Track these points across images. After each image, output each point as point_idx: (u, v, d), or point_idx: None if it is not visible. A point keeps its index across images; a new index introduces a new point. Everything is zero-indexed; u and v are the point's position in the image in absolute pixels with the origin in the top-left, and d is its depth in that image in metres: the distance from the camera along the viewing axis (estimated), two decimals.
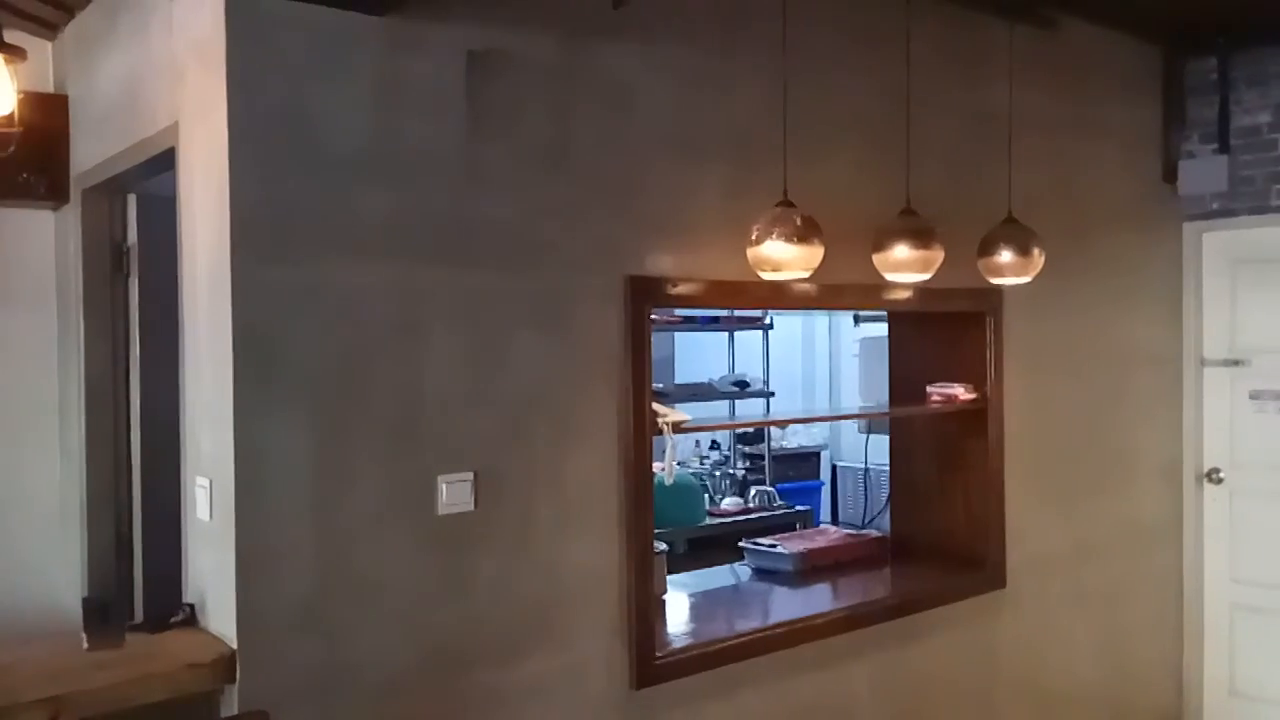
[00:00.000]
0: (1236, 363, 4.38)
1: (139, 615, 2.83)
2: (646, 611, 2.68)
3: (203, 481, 2.27)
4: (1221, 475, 4.42)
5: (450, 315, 2.37)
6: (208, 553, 2.28)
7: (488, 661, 2.41)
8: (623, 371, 2.67)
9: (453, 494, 2.34)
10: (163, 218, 2.63)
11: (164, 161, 2.52)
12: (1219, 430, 4.43)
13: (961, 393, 3.60)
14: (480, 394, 2.41)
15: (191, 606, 2.34)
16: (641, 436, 2.70)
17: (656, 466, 2.85)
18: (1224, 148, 4.32)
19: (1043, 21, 3.66)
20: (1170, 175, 4.40)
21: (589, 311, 2.62)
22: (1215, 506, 4.45)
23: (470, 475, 2.37)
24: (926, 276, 3.02)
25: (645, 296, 2.73)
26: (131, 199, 3.10)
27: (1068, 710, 3.93)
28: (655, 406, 2.81)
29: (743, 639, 2.90)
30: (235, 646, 2.13)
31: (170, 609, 2.36)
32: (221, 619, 2.20)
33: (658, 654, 2.70)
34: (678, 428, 2.88)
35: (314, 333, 2.20)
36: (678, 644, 2.82)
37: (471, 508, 2.37)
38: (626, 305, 2.68)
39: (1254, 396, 4.33)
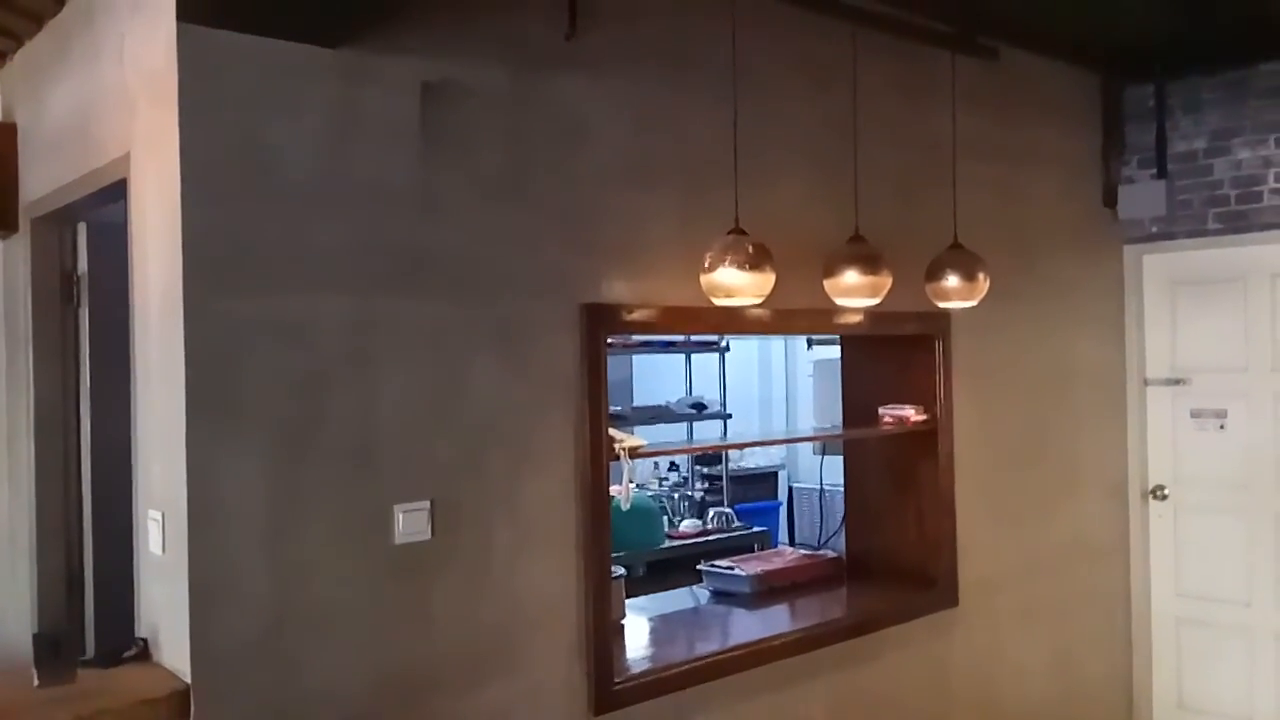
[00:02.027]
0: (1178, 382, 4.50)
1: (91, 650, 2.79)
2: (604, 637, 2.70)
3: (155, 514, 2.25)
4: (1166, 492, 4.54)
5: (406, 345, 2.38)
6: (161, 586, 2.26)
7: (446, 690, 2.41)
8: (579, 398, 2.70)
9: (409, 523, 2.34)
10: (114, 246, 2.62)
11: (115, 192, 2.51)
12: (1162, 448, 4.55)
13: (912, 414, 3.67)
14: (436, 423, 2.42)
15: (144, 641, 2.31)
16: (598, 462, 2.72)
17: (614, 491, 2.88)
18: (1162, 173, 4.46)
19: (984, 52, 3.77)
20: (1110, 200, 4.53)
21: (545, 339, 2.64)
22: (1160, 523, 4.56)
23: (427, 504, 2.38)
24: (876, 301, 3.08)
25: (601, 324, 2.76)
26: (82, 228, 3.08)
27: None
28: (612, 432, 2.84)
29: (700, 662, 2.92)
30: (189, 681, 2.11)
31: (123, 644, 2.34)
32: (175, 653, 2.18)
33: (616, 679, 2.71)
34: (634, 453, 2.91)
35: (268, 363, 2.19)
36: (636, 669, 2.84)
37: (428, 536, 2.38)
38: (582, 332, 2.71)
39: (1195, 415, 4.46)
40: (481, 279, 2.52)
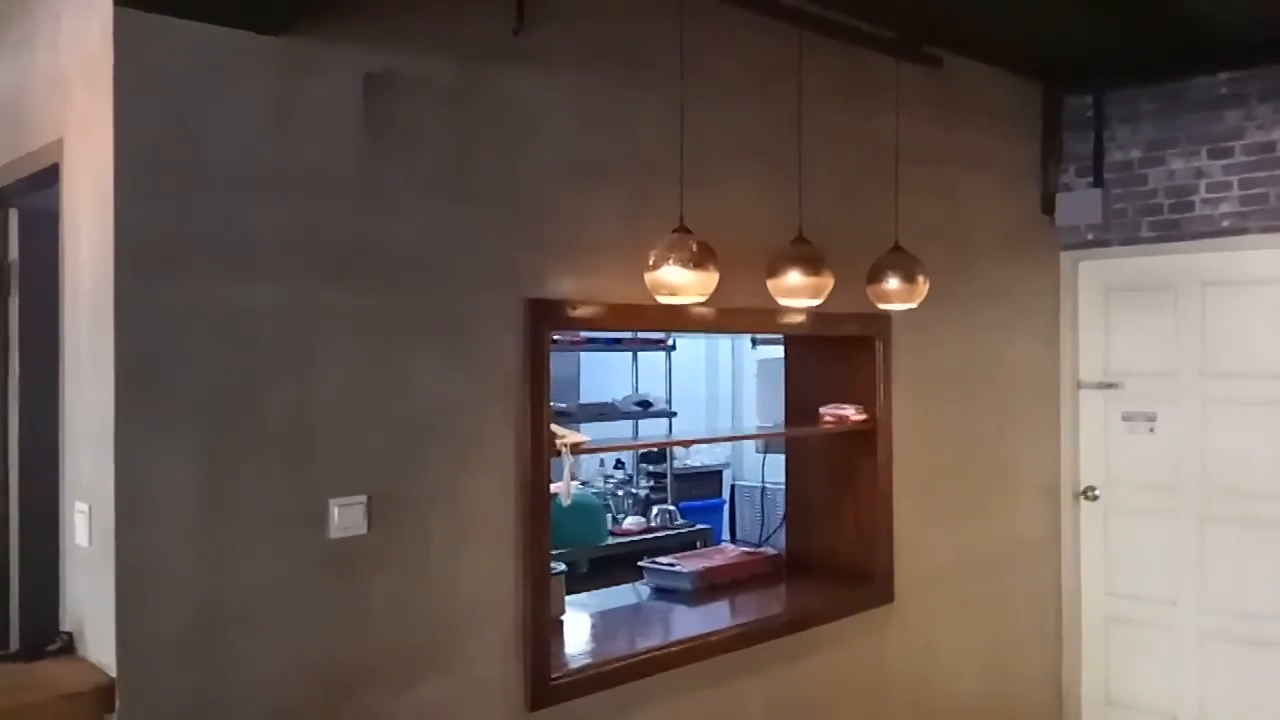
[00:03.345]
0: (1110, 385, 4.62)
1: (13, 644, 2.72)
2: (542, 632, 2.70)
3: (82, 506, 2.20)
4: (1097, 493, 4.66)
5: (344, 337, 2.36)
6: (86, 579, 2.21)
7: (380, 686, 2.39)
8: (521, 393, 2.70)
9: (345, 517, 2.32)
10: (46, 233, 2.55)
11: (47, 177, 2.44)
12: (1094, 450, 4.67)
13: (852, 414, 3.72)
14: (375, 417, 2.40)
15: (69, 635, 2.26)
16: (540, 458, 2.72)
17: (555, 488, 2.88)
18: (1098, 181, 4.57)
19: (928, 60, 3.83)
20: (1048, 207, 4.64)
21: (488, 334, 2.64)
22: (1091, 523, 4.68)
23: (364, 498, 2.36)
24: (818, 302, 3.12)
25: (545, 319, 2.76)
26: (13, 214, 3.00)
27: (954, 719, 4.07)
28: (554, 428, 2.84)
29: (638, 658, 2.93)
30: (115, 676, 2.07)
31: (47, 637, 2.28)
32: (100, 647, 2.14)
33: (553, 675, 2.71)
34: (576, 449, 2.91)
35: (201, 354, 2.16)
36: (574, 664, 2.84)
37: (364, 531, 2.36)
38: (526, 328, 2.71)
39: (1126, 418, 4.58)
40: (424, 273, 2.51)
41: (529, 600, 2.67)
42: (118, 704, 2.06)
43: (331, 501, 2.31)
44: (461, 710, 2.54)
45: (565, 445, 2.83)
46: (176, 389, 2.13)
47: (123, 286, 2.07)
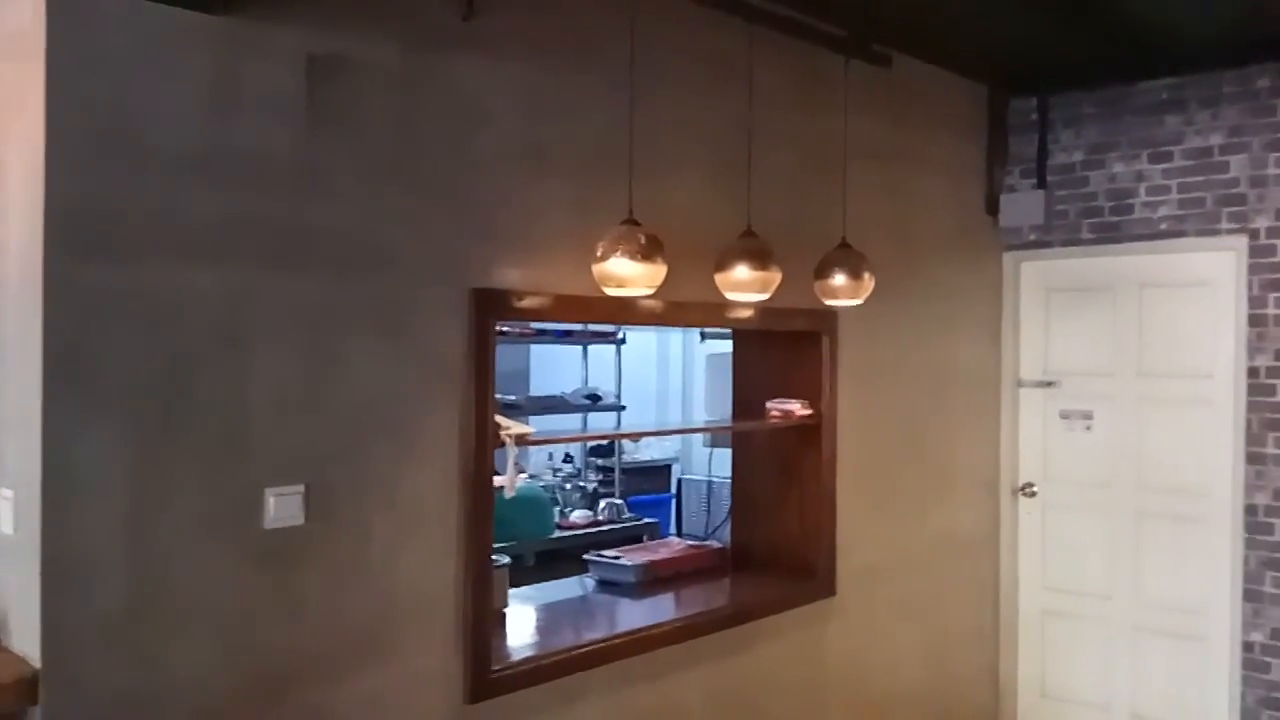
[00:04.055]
0: (1049, 384, 4.71)
1: None
2: (484, 625, 2.68)
3: (6, 492, 2.13)
4: (1035, 489, 4.75)
5: (283, 323, 2.32)
6: (10, 567, 2.14)
7: (315, 680, 2.35)
8: (466, 384, 2.67)
9: (281, 507, 2.28)
10: None
11: None
12: (1033, 447, 4.76)
13: (798, 409, 3.75)
14: (314, 405, 2.36)
15: None
16: (483, 449, 2.70)
17: (499, 480, 2.86)
18: (1041, 183, 4.65)
19: (878, 59, 3.86)
20: (993, 207, 4.71)
21: (432, 323, 2.61)
22: (1029, 519, 4.77)
23: (301, 488, 2.32)
24: (765, 296, 3.14)
25: (490, 309, 2.74)
26: None
27: (892, 713, 4.13)
28: (498, 419, 2.82)
29: (580, 650, 2.93)
30: (39, 666, 2.02)
31: None
32: (25, 637, 2.08)
33: (494, 667, 2.70)
34: (521, 441, 2.89)
35: (133, 337, 2.10)
36: (516, 657, 2.83)
37: (301, 521, 2.32)
38: (471, 317, 2.68)
39: (1064, 416, 4.67)
40: (366, 259, 2.47)
41: (470, 593, 2.65)
42: (42, 696, 2.01)
43: (267, 491, 2.26)
44: (400, 703, 2.51)
45: (510, 437, 2.81)
46: (107, 373, 2.07)
47: (52, 268, 2.01)
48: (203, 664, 2.19)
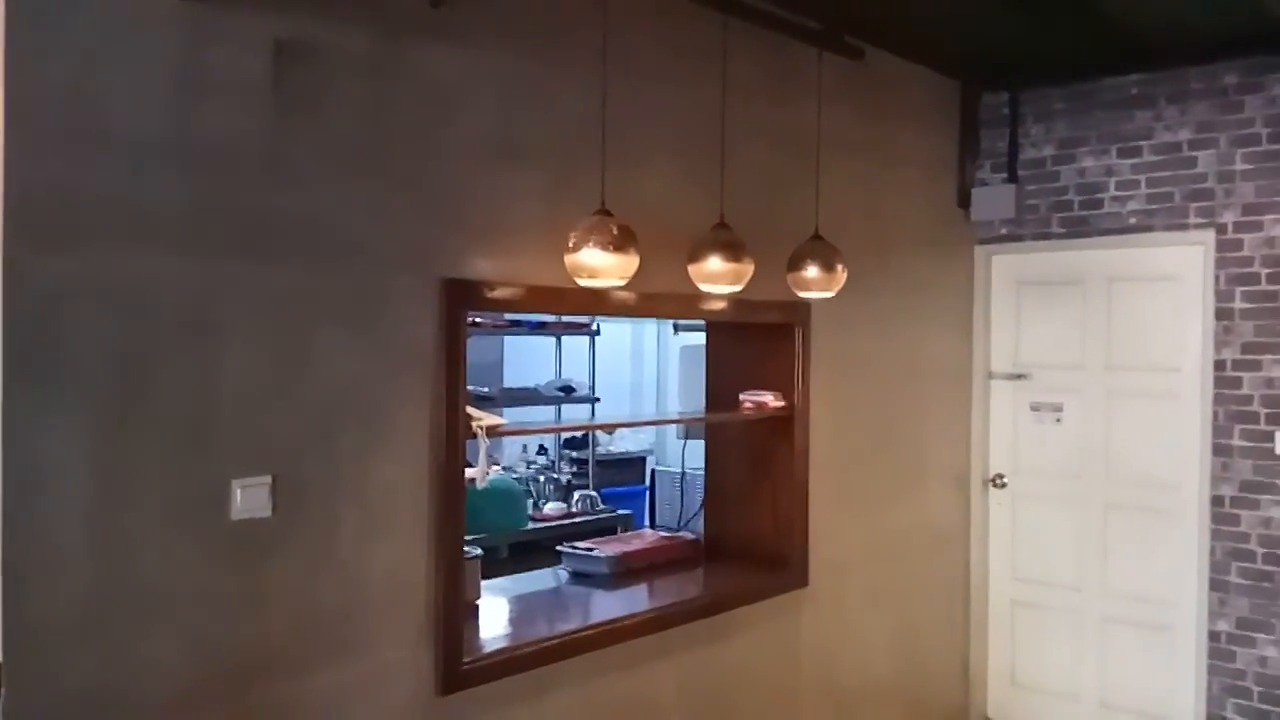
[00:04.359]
0: (1019, 376, 4.75)
1: None
2: (455, 616, 2.66)
3: None
4: (1005, 480, 4.79)
5: (250, 313, 2.29)
6: None
7: (283, 672, 2.33)
8: (437, 375, 2.65)
9: (248, 499, 2.25)
10: None
11: None
12: (1003, 439, 4.79)
13: (771, 400, 3.75)
14: (281, 396, 2.34)
15: None
16: (454, 441, 2.68)
17: (471, 472, 2.85)
18: (1012, 177, 4.68)
19: (851, 52, 3.87)
20: (965, 201, 4.74)
21: (402, 313, 2.59)
22: (999, 510, 4.81)
23: (268, 479, 2.29)
24: (738, 288, 3.13)
25: (461, 299, 2.72)
26: None
27: (863, 703, 4.16)
28: (470, 410, 2.80)
29: (552, 642, 2.92)
30: (0, 660, 1.98)
31: None
32: None
33: (465, 659, 2.69)
34: (493, 432, 2.88)
35: (96, 328, 2.07)
36: (488, 648, 2.82)
37: (269, 513, 2.29)
38: (442, 308, 2.66)
39: (1034, 408, 4.71)
40: (335, 249, 2.45)
41: (441, 584, 2.63)
42: (3, 690, 1.97)
43: (234, 482, 2.24)
44: (369, 696, 2.50)
45: (481, 428, 2.80)
46: (69, 365, 2.04)
47: (12, 255, 1.98)
48: (168, 657, 2.16)
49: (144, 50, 2.14)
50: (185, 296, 2.19)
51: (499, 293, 2.82)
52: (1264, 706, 4.07)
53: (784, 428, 3.80)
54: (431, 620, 2.62)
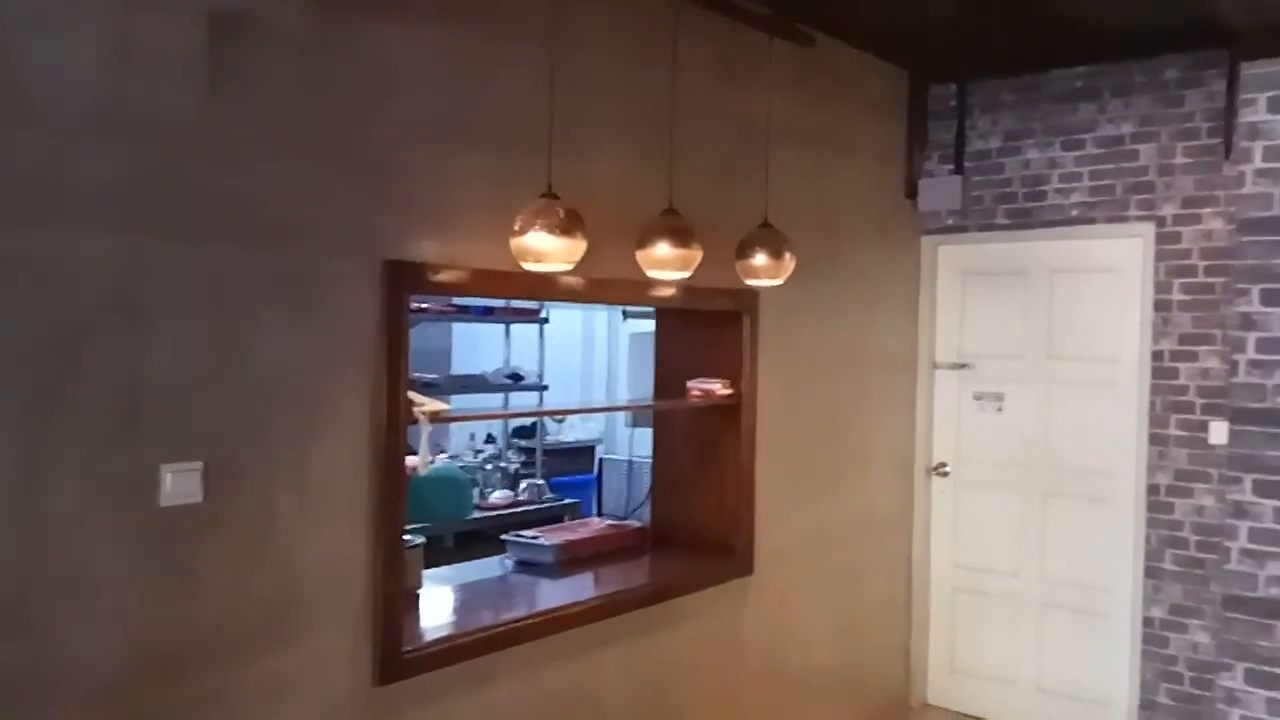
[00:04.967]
0: (963, 366, 4.80)
1: None
2: (394, 605, 2.62)
3: None
4: (947, 469, 4.84)
5: (182, 294, 2.21)
6: None
7: (215, 662, 2.27)
8: (378, 359, 2.60)
9: (178, 484, 2.18)
10: None
11: None
12: (947, 428, 4.85)
13: (719, 388, 3.75)
14: (214, 380, 2.27)
15: None
16: (395, 427, 2.63)
17: (411, 461, 2.80)
18: (959, 169, 4.72)
19: (801, 39, 3.87)
20: (912, 191, 4.77)
21: (342, 295, 2.53)
22: (942, 498, 4.87)
23: (199, 465, 2.22)
24: (686, 274, 3.12)
25: (404, 282, 2.67)
26: None
27: (806, 689, 4.18)
28: (412, 395, 2.75)
29: (494, 630, 2.89)
30: None
31: None
32: None
33: (405, 648, 2.64)
34: (435, 418, 2.84)
35: (20, 307, 1.99)
36: (428, 637, 2.78)
37: (200, 499, 2.22)
38: (383, 290, 2.61)
39: (977, 397, 4.77)
40: (272, 229, 2.38)
41: (380, 573, 2.58)
42: None
43: (163, 467, 2.17)
44: (305, 685, 2.44)
45: (423, 414, 2.75)
46: None
47: None
48: (95, 645, 2.09)
49: (73, 22, 2.05)
50: (113, 276, 2.11)
51: (443, 276, 2.77)
52: (1195, 690, 4.17)
53: (731, 416, 3.80)
54: (370, 609, 2.57)
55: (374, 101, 2.58)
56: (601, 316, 8.30)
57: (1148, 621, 4.30)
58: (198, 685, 2.25)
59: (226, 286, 2.29)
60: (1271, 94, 3.51)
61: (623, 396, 7.59)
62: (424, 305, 5.38)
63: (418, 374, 5.34)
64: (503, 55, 2.88)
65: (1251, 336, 3.56)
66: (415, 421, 2.73)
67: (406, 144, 2.66)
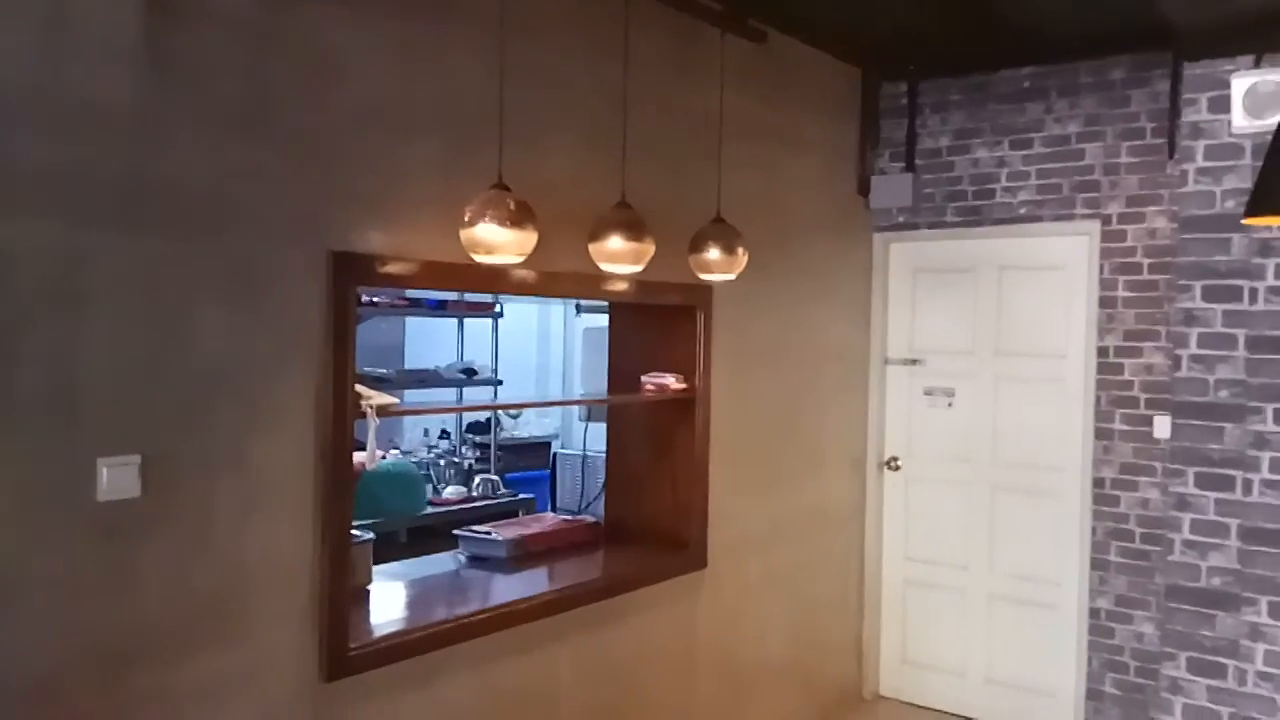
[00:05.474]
0: (914, 362, 4.85)
1: None
2: (341, 601, 2.58)
3: None
4: (899, 463, 4.89)
5: (119, 284, 2.16)
6: None
7: (155, 660, 2.22)
8: (324, 351, 2.55)
9: (115, 479, 2.13)
10: None
11: None
12: (898, 422, 4.89)
13: (673, 383, 3.75)
14: (153, 371, 2.21)
15: None
16: (342, 420, 2.59)
17: (359, 456, 2.76)
18: (910, 166, 4.77)
19: (753, 34, 3.87)
20: (864, 189, 4.81)
21: (287, 286, 2.48)
22: (893, 492, 4.91)
23: (137, 459, 2.17)
24: (639, 268, 3.11)
25: (351, 273, 2.62)
26: None
27: (759, 682, 4.20)
28: (359, 388, 2.71)
29: (444, 626, 2.86)
30: None
31: None
32: None
33: (352, 645, 2.60)
34: (383, 411, 2.80)
35: None
36: (377, 634, 2.74)
37: (138, 494, 2.17)
38: (330, 282, 2.56)
39: (928, 392, 4.82)
40: (214, 218, 2.33)
41: (326, 569, 2.54)
42: None
43: (100, 461, 2.12)
44: (248, 684, 2.40)
45: (371, 407, 2.71)
46: None
47: None
48: (32, 644, 2.03)
49: (4, 1, 1.99)
50: (47, 265, 2.05)
51: (391, 267, 2.73)
52: (1140, 680, 4.25)
53: (685, 410, 3.80)
54: (316, 605, 2.53)
55: (319, 88, 2.54)
56: (557, 311, 8.27)
57: (1094, 613, 4.37)
58: (138, 684, 2.19)
59: (166, 276, 2.24)
60: (1213, 94, 3.58)
61: (577, 391, 7.56)
62: (375, 299, 5.32)
63: (370, 369, 5.28)
64: (452, 44, 2.85)
65: (1194, 332, 3.63)
66: (363, 415, 2.70)
67: (354, 132, 2.62)
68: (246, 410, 2.39)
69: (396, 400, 2.88)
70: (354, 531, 2.83)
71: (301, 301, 2.51)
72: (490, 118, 2.70)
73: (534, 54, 3.05)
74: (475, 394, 6.45)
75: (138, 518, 2.18)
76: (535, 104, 3.06)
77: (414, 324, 7.51)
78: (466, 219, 2.63)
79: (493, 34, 2.73)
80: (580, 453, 5.80)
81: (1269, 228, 3.44)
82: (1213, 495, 3.60)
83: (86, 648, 2.12)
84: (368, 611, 2.92)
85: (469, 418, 7.15)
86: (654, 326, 3.86)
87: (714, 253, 3.39)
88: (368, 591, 3.06)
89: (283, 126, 2.46)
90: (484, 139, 2.71)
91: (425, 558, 3.77)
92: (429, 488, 6.03)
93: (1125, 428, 4.30)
